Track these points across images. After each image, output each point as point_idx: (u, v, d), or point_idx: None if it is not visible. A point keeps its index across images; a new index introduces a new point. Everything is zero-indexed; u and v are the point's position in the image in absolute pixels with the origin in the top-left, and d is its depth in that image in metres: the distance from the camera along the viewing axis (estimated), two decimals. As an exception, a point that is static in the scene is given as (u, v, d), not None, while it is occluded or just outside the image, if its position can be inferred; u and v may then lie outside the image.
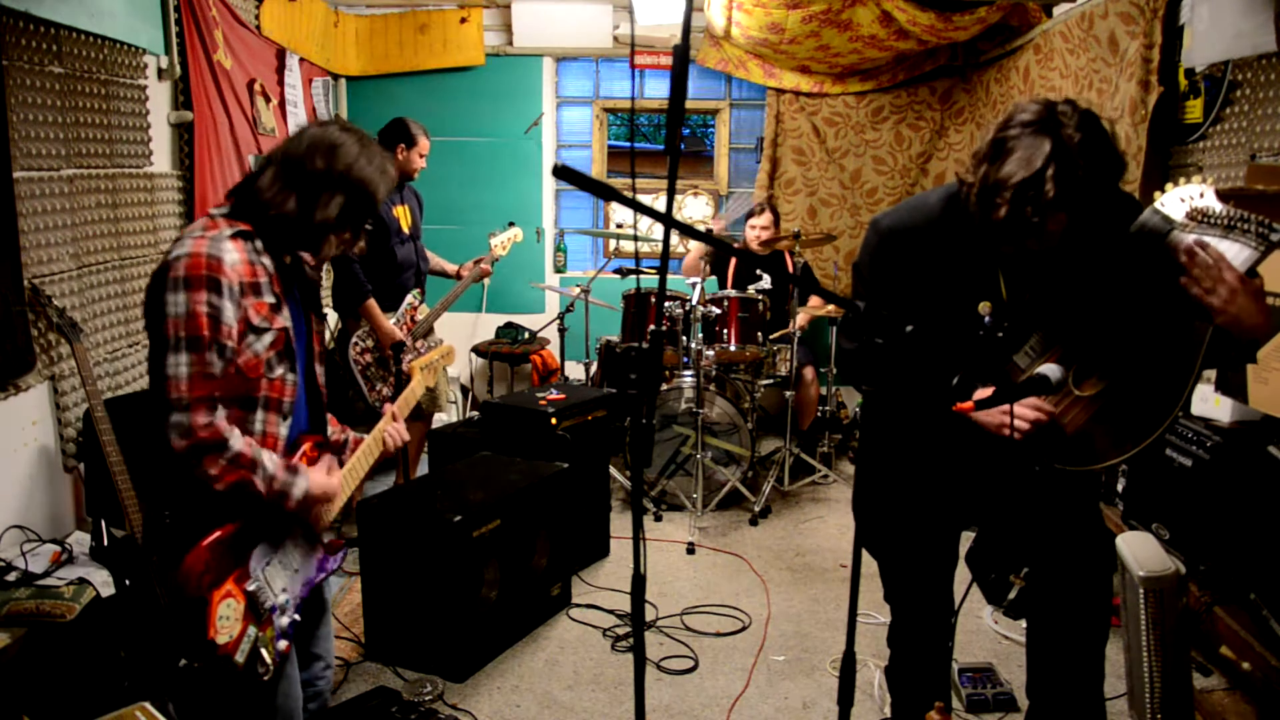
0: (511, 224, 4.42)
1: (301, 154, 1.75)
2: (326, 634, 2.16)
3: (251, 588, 1.77)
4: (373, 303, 3.84)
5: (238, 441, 1.68)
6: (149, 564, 2.22)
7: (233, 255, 1.68)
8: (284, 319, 1.78)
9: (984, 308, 1.77)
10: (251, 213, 1.76)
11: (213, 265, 1.64)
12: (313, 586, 1.98)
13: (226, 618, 1.71)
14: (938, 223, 1.80)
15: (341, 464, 2.02)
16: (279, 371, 1.78)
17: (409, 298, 3.99)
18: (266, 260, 1.76)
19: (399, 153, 3.94)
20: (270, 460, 1.73)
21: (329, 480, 1.85)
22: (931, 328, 1.55)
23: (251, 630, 1.76)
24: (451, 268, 4.30)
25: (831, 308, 4.85)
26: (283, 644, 1.85)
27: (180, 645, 1.70)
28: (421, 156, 4.00)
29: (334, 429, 2.09)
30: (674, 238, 5.87)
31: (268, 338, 1.74)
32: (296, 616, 1.90)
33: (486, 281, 5.93)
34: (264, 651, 1.78)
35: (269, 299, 1.75)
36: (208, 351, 1.65)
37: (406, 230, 4.01)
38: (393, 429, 2.08)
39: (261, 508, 1.75)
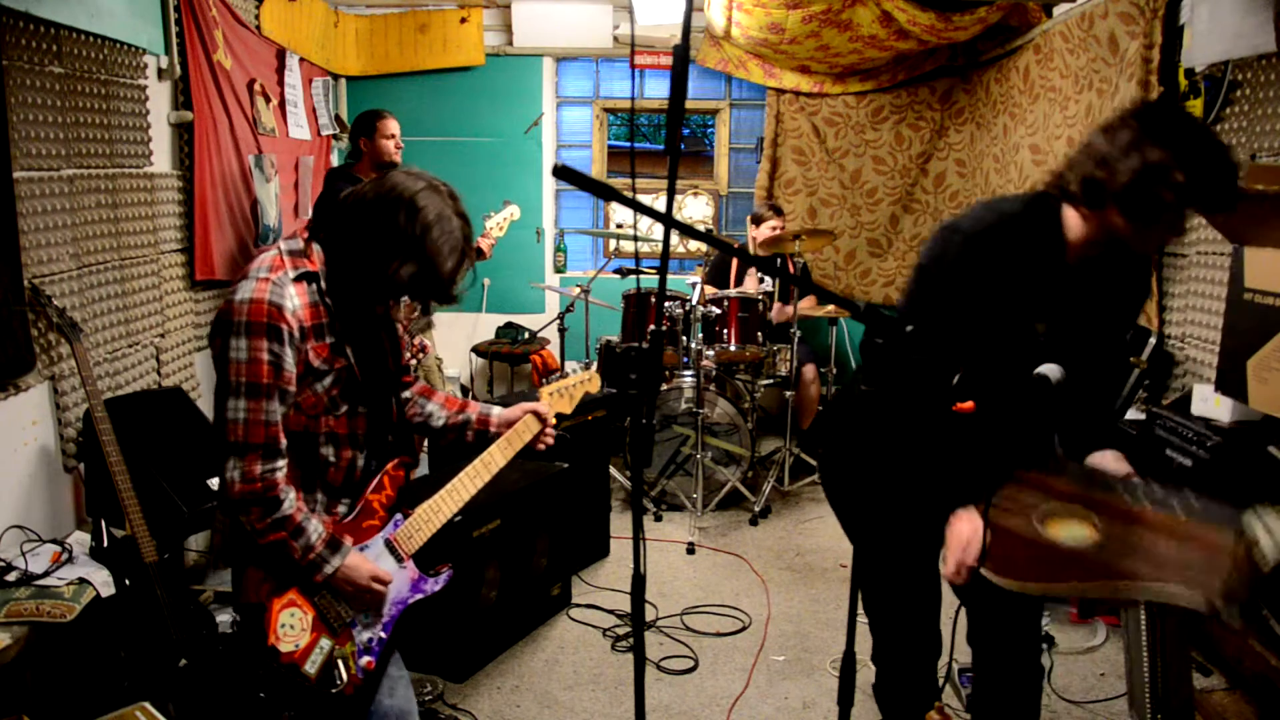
0: (507, 202, 4.31)
1: (385, 210, 1.70)
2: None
3: (321, 600, 1.77)
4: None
5: (289, 505, 1.69)
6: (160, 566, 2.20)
7: (294, 301, 1.67)
8: (346, 358, 1.77)
9: (1040, 329, 1.74)
10: (327, 257, 1.74)
11: (274, 314, 1.64)
12: (406, 606, 1.93)
13: (290, 626, 1.71)
14: (1022, 230, 1.72)
15: (487, 439, 2.05)
16: (343, 408, 1.79)
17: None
18: (329, 300, 1.74)
19: (363, 145, 3.95)
20: (315, 531, 1.73)
21: (367, 566, 1.81)
22: (994, 342, 1.58)
23: (325, 642, 1.76)
24: None
25: (831, 308, 4.85)
26: (365, 660, 1.82)
27: (245, 652, 1.71)
28: (386, 138, 3.96)
29: (451, 408, 2.08)
30: (674, 237, 5.88)
31: (329, 379, 1.74)
32: (383, 634, 1.87)
33: (487, 281, 5.93)
34: (341, 665, 1.77)
35: (329, 339, 1.74)
36: (266, 399, 1.65)
37: None
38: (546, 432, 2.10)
39: (296, 571, 1.74)
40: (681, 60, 1.34)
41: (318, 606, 1.76)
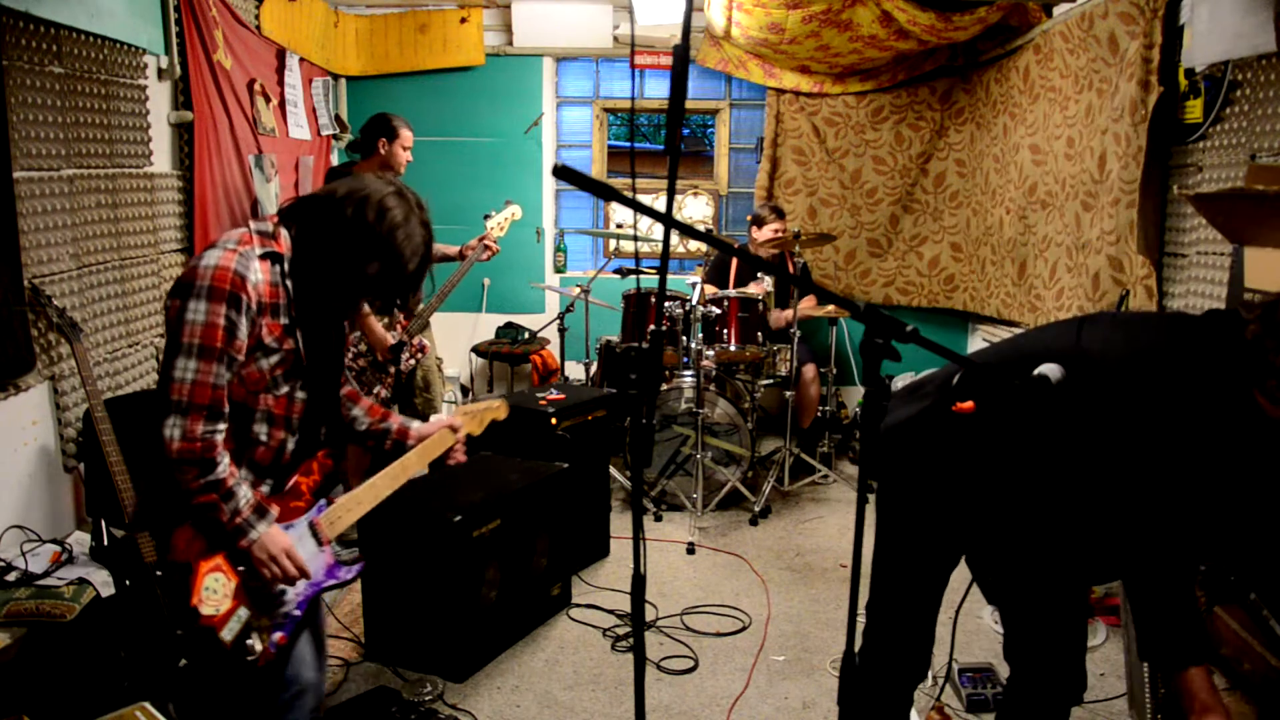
0: (509, 202, 4.30)
1: (347, 203, 1.78)
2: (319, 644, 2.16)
3: (243, 569, 1.81)
4: (366, 307, 3.82)
5: (224, 468, 1.74)
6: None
7: (258, 275, 1.74)
8: (295, 340, 1.83)
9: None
10: (295, 245, 1.81)
11: (236, 282, 1.70)
12: (320, 588, 1.98)
13: (213, 590, 1.75)
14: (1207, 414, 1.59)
15: (402, 449, 2.12)
16: (284, 389, 1.84)
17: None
18: (289, 284, 1.81)
19: (380, 147, 3.93)
20: (244, 496, 1.78)
21: (284, 540, 1.86)
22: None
23: (243, 612, 1.79)
24: (453, 250, 4.25)
25: (831, 308, 4.86)
26: (278, 635, 1.86)
27: (164, 608, 1.74)
28: (405, 149, 3.96)
29: (375, 416, 2.15)
30: (674, 237, 5.88)
31: (275, 357, 1.80)
32: (297, 612, 1.92)
33: (487, 281, 5.93)
34: (256, 636, 1.81)
35: (284, 321, 1.80)
36: (217, 362, 1.70)
37: None
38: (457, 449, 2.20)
39: (220, 534, 1.78)
40: (681, 60, 1.34)
41: (241, 575, 1.81)
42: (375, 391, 3.90)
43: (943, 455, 1.92)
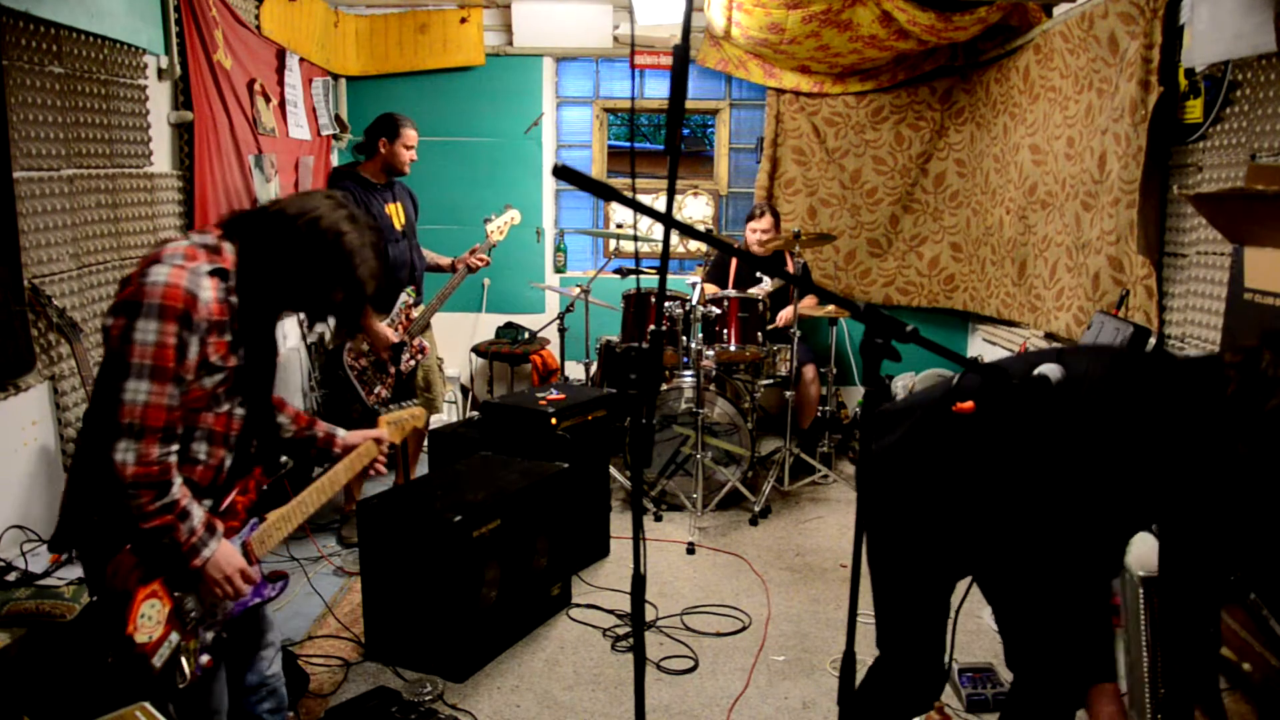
0: (508, 206, 4.32)
1: (307, 234, 1.77)
2: (270, 657, 2.16)
3: (178, 594, 1.79)
4: (366, 307, 3.82)
5: (177, 489, 1.71)
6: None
7: (208, 293, 1.70)
8: (238, 357, 1.80)
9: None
10: (241, 257, 1.78)
11: (189, 301, 1.66)
12: (245, 608, 1.97)
13: (149, 618, 1.73)
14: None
15: (328, 457, 2.10)
16: (225, 406, 1.81)
17: (403, 296, 3.95)
18: (234, 299, 1.77)
19: (381, 147, 3.92)
20: (198, 515, 1.76)
21: (238, 558, 1.85)
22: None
23: (174, 637, 1.77)
24: (445, 260, 4.27)
25: (831, 308, 4.86)
26: (205, 658, 1.85)
27: (100, 637, 1.73)
28: (408, 148, 3.93)
29: (301, 424, 2.12)
30: (674, 237, 5.88)
31: (219, 375, 1.77)
32: (224, 635, 1.90)
33: (487, 281, 5.93)
34: (184, 660, 1.79)
35: (228, 337, 1.77)
36: (169, 383, 1.66)
37: (399, 229, 3.98)
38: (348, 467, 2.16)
39: (170, 557, 1.75)
40: (681, 60, 1.34)
41: (175, 600, 1.78)
42: (376, 391, 3.90)
43: (934, 474, 1.91)
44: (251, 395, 1.88)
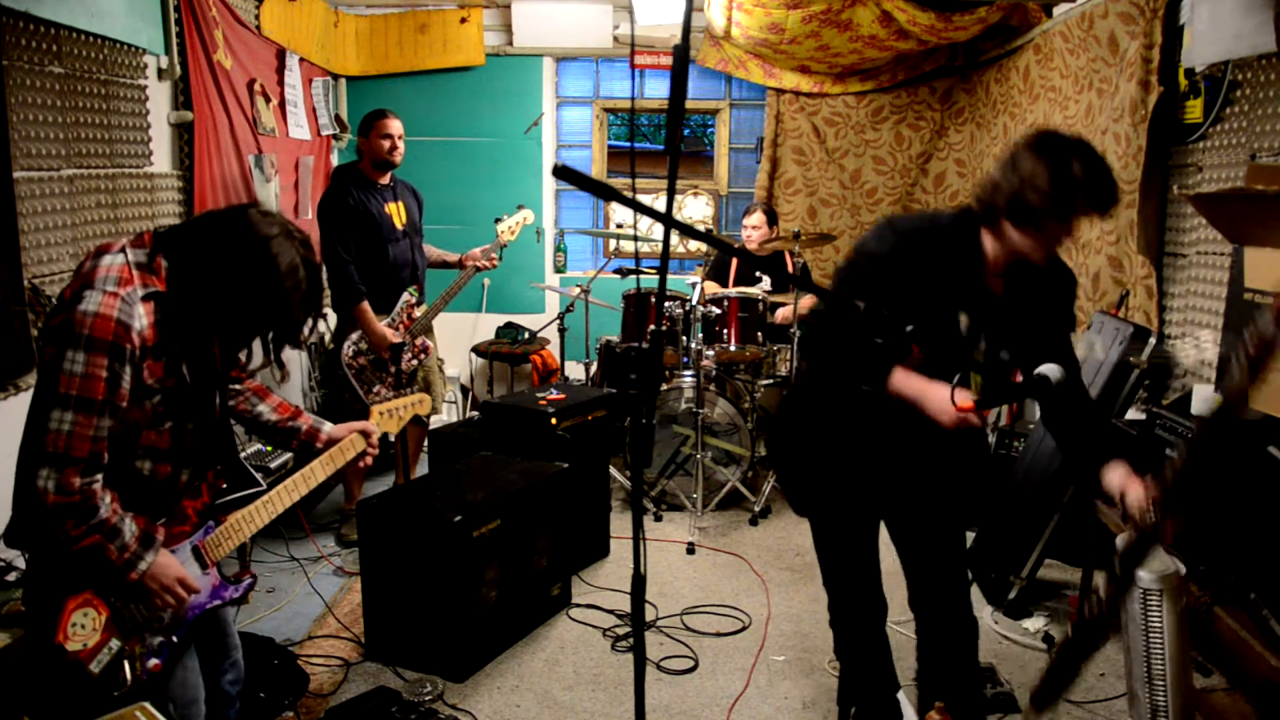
0: (521, 206, 4.31)
1: (235, 249, 1.70)
2: (233, 662, 2.15)
3: (116, 601, 1.77)
4: (366, 306, 3.80)
5: (105, 509, 1.68)
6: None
7: (141, 321, 1.65)
8: (180, 375, 1.77)
9: (964, 319, 1.96)
10: (171, 278, 1.71)
11: (119, 332, 1.61)
12: (202, 610, 1.95)
13: (81, 625, 1.71)
14: (948, 237, 1.99)
15: (311, 451, 2.07)
16: (166, 425, 1.78)
17: (405, 295, 3.95)
18: (171, 321, 1.72)
19: (361, 144, 3.91)
20: (130, 530, 1.73)
21: (176, 568, 1.82)
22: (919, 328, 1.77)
23: (114, 643, 1.76)
24: (453, 257, 4.25)
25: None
26: (152, 663, 1.84)
27: (30, 646, 1.71)
28: (383, 137, 3.86)
29: (283, 414, 2.09)
30: (674, 237, 5.88)
31: (157, 396, 1.74)
32: (175, 639, 1.89)
33: (487, 281, 5.93)
34: (126, 665, 1.78)
35: (165, 358, 1.73)
36: (97, 415, 1.63)
37: (400, 228, 3.97)
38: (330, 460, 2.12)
39: (108, 572, 1.74)
40: (681, 60, 1.34)
41: (112, 607, 1.76)
42: (375, 390, 3.90)
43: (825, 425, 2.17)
44: (198, 411, 1.84)
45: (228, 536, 1.96)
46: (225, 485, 1.97)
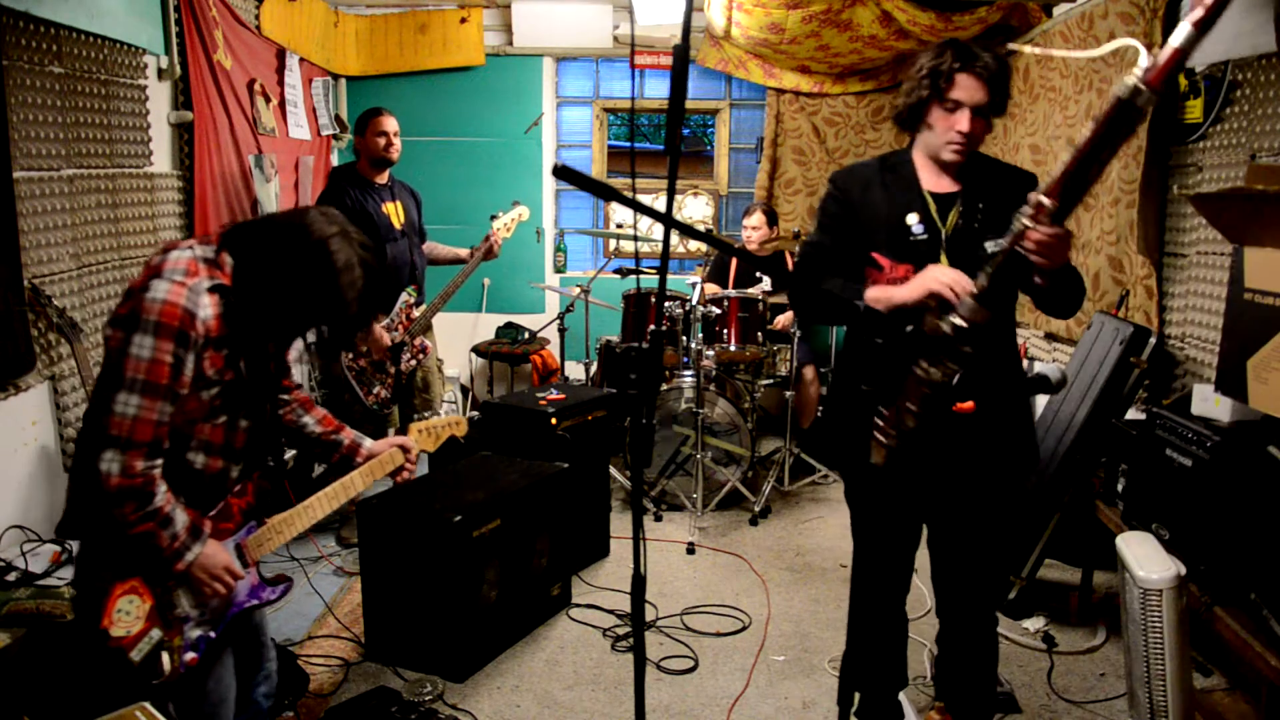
0: (516, 203, 4.28)
1: (294, 247, 1.76)
2: (267, 674, 2.18)
3: (162, 592, 1.80)
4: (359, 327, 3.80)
5: (160, 497, 1.73)
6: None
7: (206, 310, 1.71)
8: (236, 371, 1.81)
9: (912, 218, 2.09)
10: (236, 274, 1.78)
11: (185, 320, 1.67)
12: (240, 609, 1.98)
13: (126, 612, 1.75)
14: (875, 168, 2.20)
15: (350, 465, 2.12)
16: (222, 418, 1.83)
17: (404, 295, 3.94)
18: (234, 315, 1.78)
19: (357, 144, 3.91)
20: (181, 520, 1.77)
21: (223, 556, 1.87)
22: (872, 245, 2.02)
23: (155, 633, 1.79)
24: (464, 252, 4.23)
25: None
26: (189, 656, 1.86)
27: (77, 628, 1.74)
28: (378, 135, 3.87)
29: (327, 426, 2.15)
30: (674, 237, 5.88)
31: (215, 388, 1.78)
32: (213, 634, 1.91)
33: (487, 281, 5.93)
34: (165, 656, 1.80)
35: (225, 352, 1.78)
36: (161, 400, 1.68)
37: (398, 227, 3.96)
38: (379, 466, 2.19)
39: (157, 560, 1.78)
40: (681, 60, 1.34)
41: (157, 598, 1.80)
42: (375, 391, 3.90)
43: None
44: (252, 408, 1.89)
45: (268, 537, 2.00)
46: (269, 487, 2.02)
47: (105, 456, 1.66)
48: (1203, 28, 1.45)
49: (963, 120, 2.02)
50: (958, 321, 1.81)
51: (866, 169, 2.20)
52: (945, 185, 2.12)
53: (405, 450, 2.23)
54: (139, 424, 1.66)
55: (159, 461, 1.72)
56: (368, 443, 2.20)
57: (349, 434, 2.18)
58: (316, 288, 1.76)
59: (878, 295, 2.03)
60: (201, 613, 1.88)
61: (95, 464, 1.66)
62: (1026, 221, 1.74)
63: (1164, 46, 1.49)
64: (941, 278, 1.89)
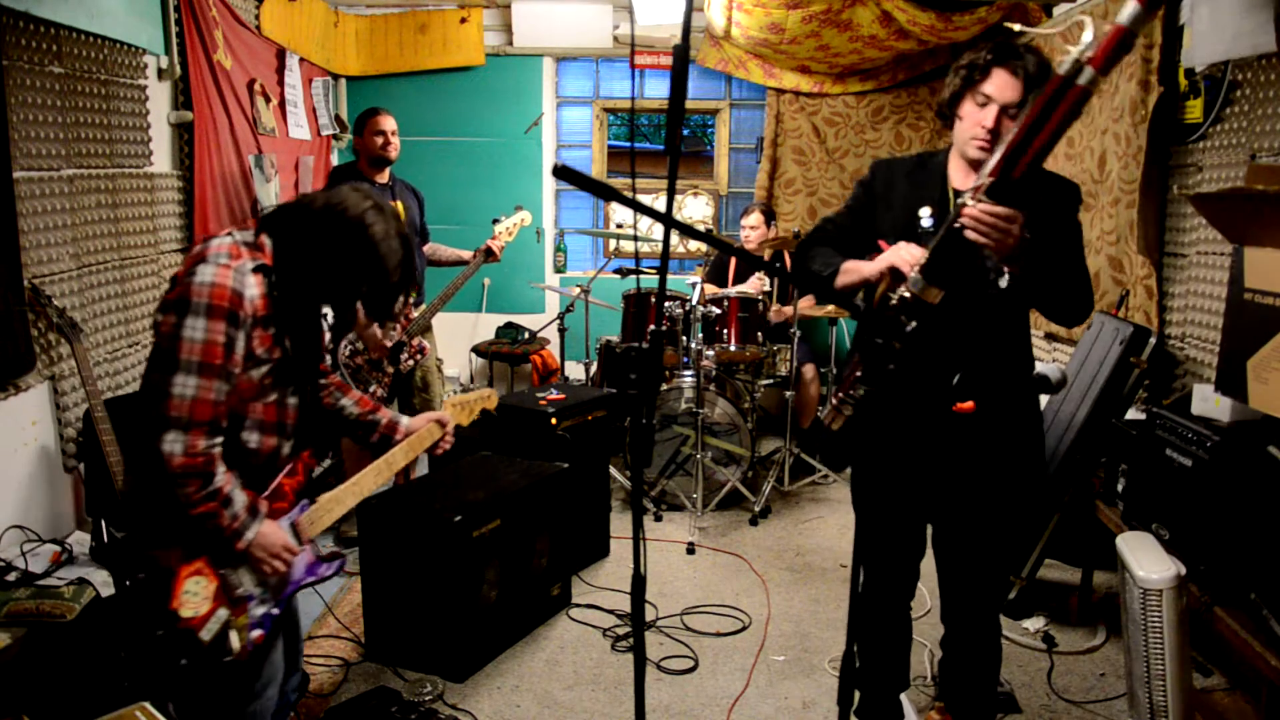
0: (519, 207, 4.30)
1: (333, 224, 1.84)
2: (298, 670, 2.21)
3: (224, 572, 1.84)
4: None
5: (221, 477, 1.77)
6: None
7: (253, 290, 1.77)
8: (283, 349, 1.87)
9: (924, 211, 2.09)
10: (276, 254, 1.84)
11: (234, 300, 1.73)
12: (298, 586, 2.02)
13: (193, 593, 1.78)
14: (913, 162, 2.22)
15: (390, 443, 2.18)
16: (273, 396, 1.88)
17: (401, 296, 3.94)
18: (276, 293, 1.84)
19: (356, 143, 3.92)
20: (240, 500, 1.81)
21: (280, 536, 1.91)
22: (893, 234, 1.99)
23: (222, 612, 1.82)
24: (467, 254, 4.23)
25: (831, 308, 4.85)
26: (256, 633, 1.89)
27: (146, 612, 1.76)
28: (376, 134, 3.87)
29: (365, 407, 2.20)
30: (674, 237, 5.88)
31: (265, 366, 1.83)
32: (275, 611, 1.95)
33: (487, 281, 5.93)
34: (233, 635, 1.83)
35: (272, 330, 1.83)
36: (217, 379, 1.73)
37: None
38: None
39: (215, 539, 1.81)
40: (681, 60, 1.34)
41: (221, 578, 1.83)
42: (371, 390, 3.89)
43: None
44: (300, 384, 1.95)
45: (320, 515, 2.04)
46: (317, 466, 2.07)
47: (167, 438, 1.69)
48: (1149, 5, 1.44)
49: (989, 116, 1.98)
50: (903, 293, 1.80)
51: (905, 162, 2.22)
52: (965, 184, 2.08)
53: (442, 425, 2.27)
54: (198, 404, 1.71)
55: (219, 441, 1.77)
56: (405, 420, 2.24)
57: (386, 413, 2.23)
58: (360, 261, 1.84)
59: (849, 268, 2.05)
60: (263, 591, 1.92)
61: (156, 447, 1.70)
62: (965, 199, 1.73)
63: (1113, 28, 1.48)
64: (902, 252, 1.89)
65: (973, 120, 2.00)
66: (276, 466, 1.94)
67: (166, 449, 1.69)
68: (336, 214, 1.83)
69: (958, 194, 2.06)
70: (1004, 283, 1.94)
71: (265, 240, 1.84)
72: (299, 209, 1.87)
